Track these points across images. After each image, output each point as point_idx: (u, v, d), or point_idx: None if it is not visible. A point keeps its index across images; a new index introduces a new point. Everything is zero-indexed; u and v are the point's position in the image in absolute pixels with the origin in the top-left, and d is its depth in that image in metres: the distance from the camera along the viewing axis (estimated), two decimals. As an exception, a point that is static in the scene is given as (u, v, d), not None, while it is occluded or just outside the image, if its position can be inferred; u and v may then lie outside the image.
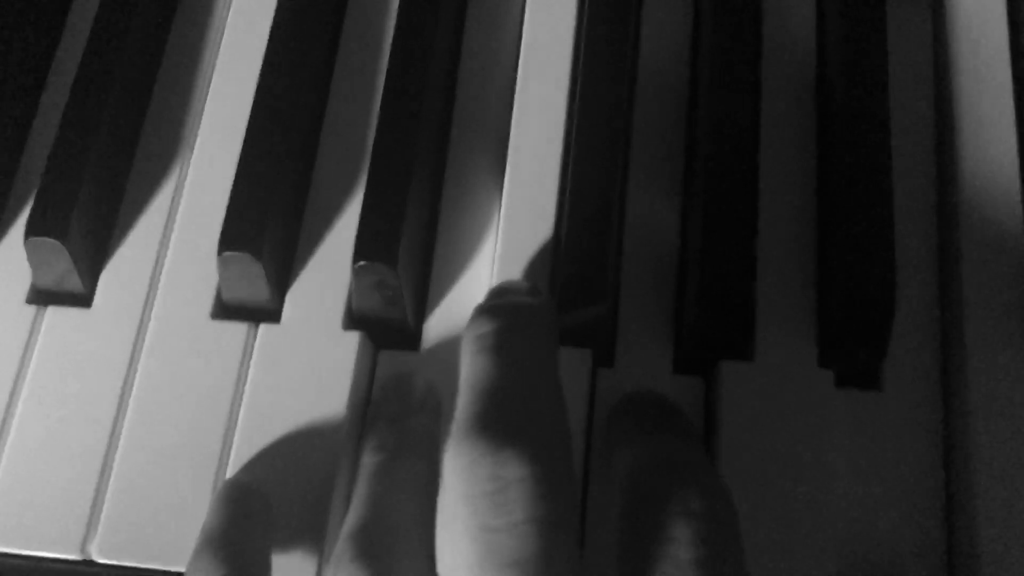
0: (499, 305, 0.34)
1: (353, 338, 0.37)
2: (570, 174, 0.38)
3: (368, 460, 0.35)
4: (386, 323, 0.38)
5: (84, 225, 0.38)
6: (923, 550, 0.35)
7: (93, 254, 0.39)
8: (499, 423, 0.29)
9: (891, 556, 0.35)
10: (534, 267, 0.38)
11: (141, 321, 0.38)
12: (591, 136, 0.38)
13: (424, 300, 0.39)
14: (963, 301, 0.37)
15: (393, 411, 0.37)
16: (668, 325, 0.38)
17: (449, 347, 0.38)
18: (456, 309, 0.38)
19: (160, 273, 0.39)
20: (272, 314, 0.39)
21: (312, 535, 0.35)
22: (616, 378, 0.37)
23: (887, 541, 0.35)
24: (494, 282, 0.38)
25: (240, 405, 0.37)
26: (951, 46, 0.41)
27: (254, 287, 0.38)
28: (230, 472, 0.36)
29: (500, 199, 0.39)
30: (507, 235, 0.38)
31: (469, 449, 0.29)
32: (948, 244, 0.39)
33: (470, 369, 0.32)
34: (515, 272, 0.38)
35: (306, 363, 0.37)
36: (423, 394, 0.37)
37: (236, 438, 0.37)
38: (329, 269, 0.39)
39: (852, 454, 0.36)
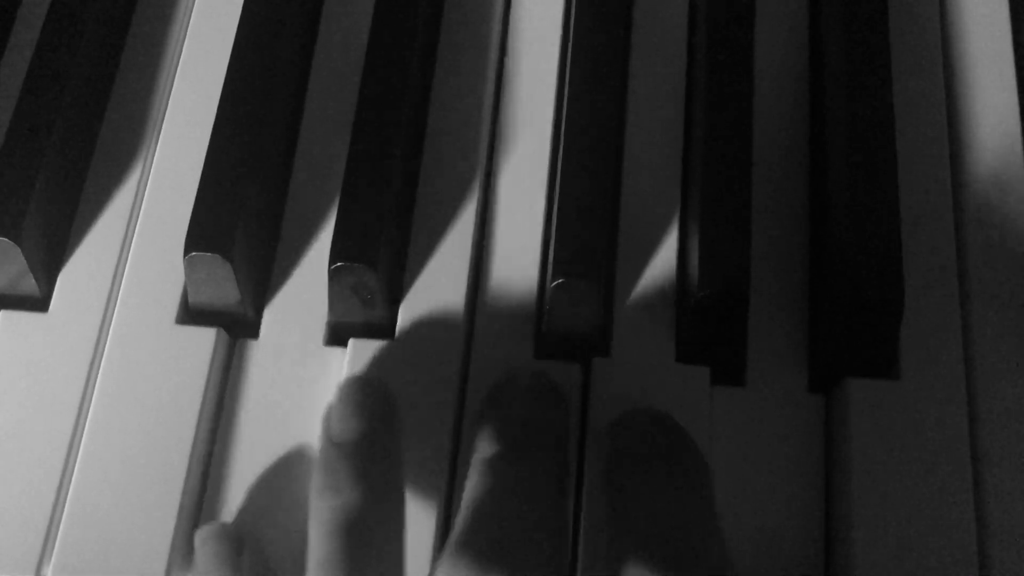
0: (505, 424, 0.33)
1: (335, 354, 0.37)
2: (560, 173, 0.37)
3: (323, 505, 0.31)
4: (363, 328, 0.37)
5: (39, 224, 0.37)
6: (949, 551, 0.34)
7: (49, 255, 0.38)
8: (488, 544, 0.29)
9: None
10: (523, 268, 0.38)
11: (101, 326, 0.37)
12: (581, 133, 0.37)
13: (398, 298, 0.38)
14: (968, 295, 0.37)
15: (346, 436, 0.32)
16: (670, 311, 0.37)
17: (424, 336, 0.36)
18: (432, 300, 0.37)
19: (121, 275, 0.38)
20: (243, 318, 0.37)
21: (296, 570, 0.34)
22: (615, 369, 0.36)
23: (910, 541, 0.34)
24: (482, 273, 0.37)
25: (206, 415, 0.36)
26: (953, 41, 0.41)
27: (223, 290, 0.36)
28: (195, 488, 0.35)
29: (476, 194, 0.38)
30: (503, 227, 0.38)
31: (452, 568, 0.28)
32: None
33: (472, 490, 0.31)
34: (508, 271, 0.37)
35: (288, 381, 0.36)
36: (380, 407, 0.33)
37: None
38: (311, 279, 0.38)
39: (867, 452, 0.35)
